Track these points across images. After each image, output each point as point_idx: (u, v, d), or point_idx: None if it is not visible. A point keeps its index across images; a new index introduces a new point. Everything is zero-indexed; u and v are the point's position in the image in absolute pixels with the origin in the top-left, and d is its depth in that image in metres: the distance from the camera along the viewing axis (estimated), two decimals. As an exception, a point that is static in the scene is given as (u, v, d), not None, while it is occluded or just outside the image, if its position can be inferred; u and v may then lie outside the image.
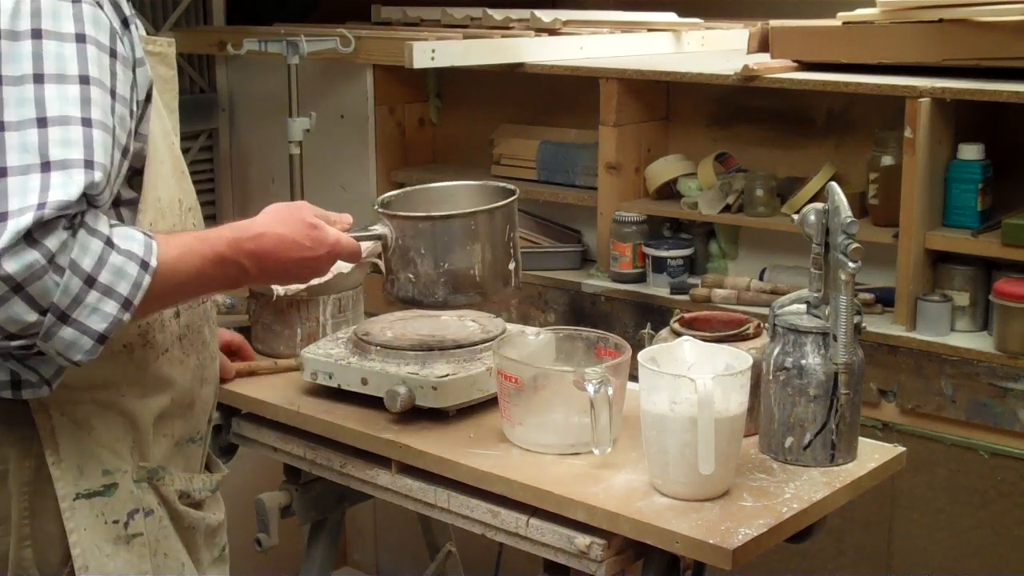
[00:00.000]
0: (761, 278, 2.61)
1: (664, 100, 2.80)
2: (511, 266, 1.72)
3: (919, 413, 2.30)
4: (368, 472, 1.80)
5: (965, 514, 2.29)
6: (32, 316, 1.29)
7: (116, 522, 1.50)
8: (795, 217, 1.66)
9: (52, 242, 1.28)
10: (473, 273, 1.69)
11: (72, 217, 1.30)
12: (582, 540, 1.55)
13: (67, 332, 1.31)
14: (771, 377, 1.66)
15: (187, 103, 2.44)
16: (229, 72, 3.29)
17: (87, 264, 1.31)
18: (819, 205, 1.63)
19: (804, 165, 2.61)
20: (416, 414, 1.79)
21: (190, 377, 1.61)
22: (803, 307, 1.69)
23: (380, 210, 1.75)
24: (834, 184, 1.63)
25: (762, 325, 1.75)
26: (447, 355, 1.83)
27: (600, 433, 1.62)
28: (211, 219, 2.87)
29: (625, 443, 1.66)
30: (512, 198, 1.74)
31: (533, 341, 1.81)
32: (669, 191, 2.74)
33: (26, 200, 1.27)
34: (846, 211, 1.59)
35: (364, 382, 1.83)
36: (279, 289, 2.02)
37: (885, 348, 2.30)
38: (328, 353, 1.89)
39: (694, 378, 1.50)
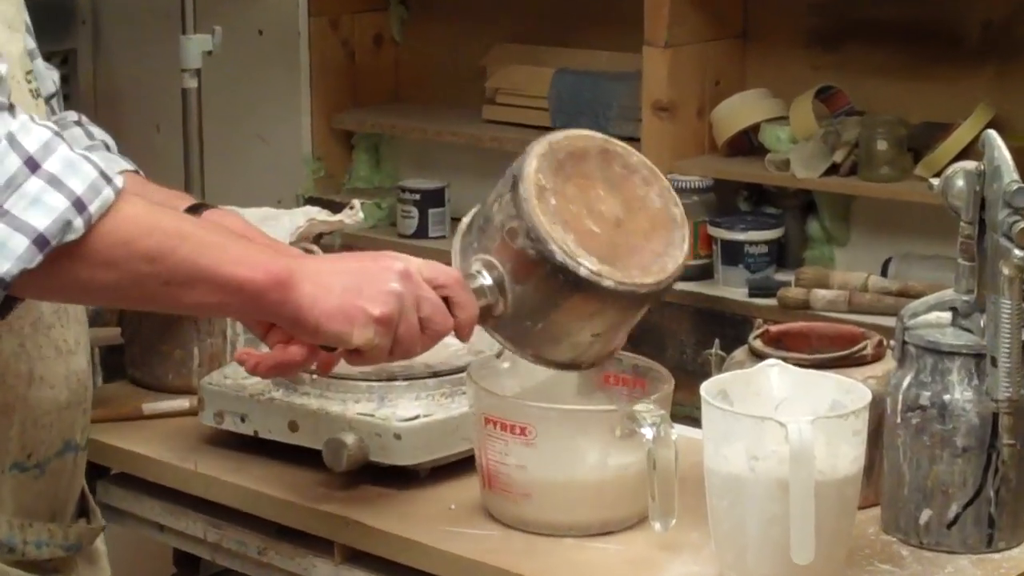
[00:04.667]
0: (884, 273, 2.61)
1: (740, 9, 2.80)
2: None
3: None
4: (300, 561, 1.81)
5: None
6: None
7: None
8: (935, 182, 1.66)
9: None
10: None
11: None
12: (620, 662, 1.56)
13: None
14: (900, 420, 1.66)
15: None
16: (92, -33, 3.31)
17: (30, 144, 1.38)
18: (970, 165, 1.63)
19: (948, 105, 2.61)
20: (371, 475, 1.80)
21: None
22: (947, 316, 1.69)
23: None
24: (993, 133, 1.63)
25: (886, 343, 1.75)
26: (416, 388, 1.84)
27: (664, 498, 1.62)
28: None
29: (682, 517, 1.66)
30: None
31: (507, 368, 1.80)
32: (747, 144, 2.74)
33: None
34: (1011, 174, 1.59)
35: (294, 427, 1.84)
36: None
37: (1069, 377, 2.30)
38: (240, 384, 1.89)
39: (784, 422, 1.50)
